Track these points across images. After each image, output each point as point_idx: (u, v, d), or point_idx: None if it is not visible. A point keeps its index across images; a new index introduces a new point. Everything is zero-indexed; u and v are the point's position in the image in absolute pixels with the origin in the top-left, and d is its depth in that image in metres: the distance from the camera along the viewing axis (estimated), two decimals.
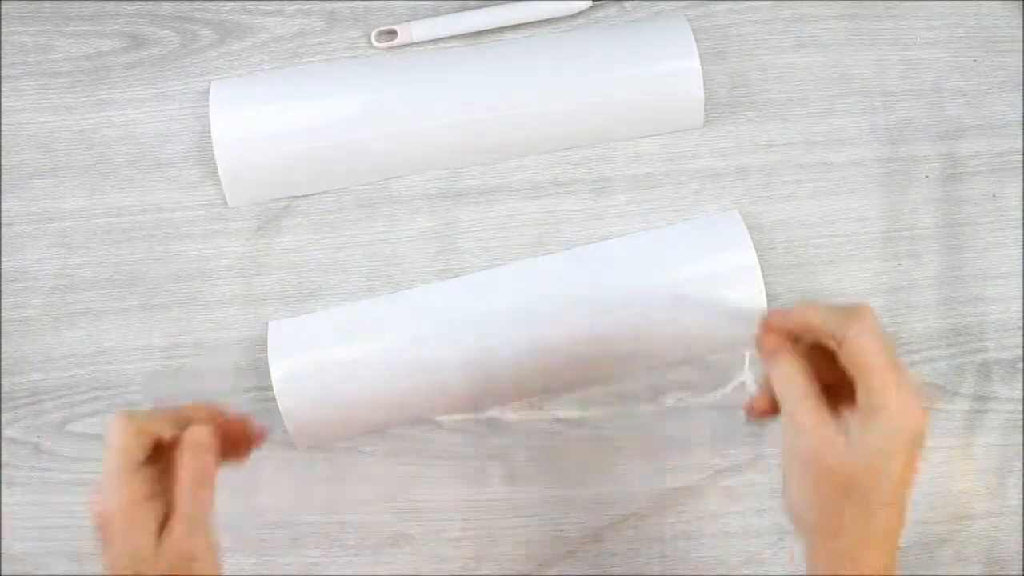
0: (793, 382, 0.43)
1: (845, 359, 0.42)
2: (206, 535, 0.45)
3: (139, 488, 0.44)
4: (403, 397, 0.60)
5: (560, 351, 0.60)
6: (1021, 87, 0.63)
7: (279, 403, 0.58)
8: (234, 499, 0.62)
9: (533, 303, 0.60)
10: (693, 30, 0.62)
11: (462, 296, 0.61)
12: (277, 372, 0.59)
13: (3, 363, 0.63)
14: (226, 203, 0.63)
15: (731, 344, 0.59)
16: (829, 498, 0.42)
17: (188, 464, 0.45)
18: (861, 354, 0.42)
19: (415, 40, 0.64)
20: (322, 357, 0.60)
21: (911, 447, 0.42)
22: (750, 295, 0.59)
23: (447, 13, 0.64)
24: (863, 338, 0.42)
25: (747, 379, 0.58)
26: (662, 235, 0.62)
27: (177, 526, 0.44)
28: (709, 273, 0.60)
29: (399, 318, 0.61)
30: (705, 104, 0.62)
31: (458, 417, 0.61)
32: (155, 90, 0.64)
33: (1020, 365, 0.62)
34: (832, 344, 0.43)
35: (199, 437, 0.46)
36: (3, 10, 0.65)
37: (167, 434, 0.45)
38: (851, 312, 0.43)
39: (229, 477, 0.62)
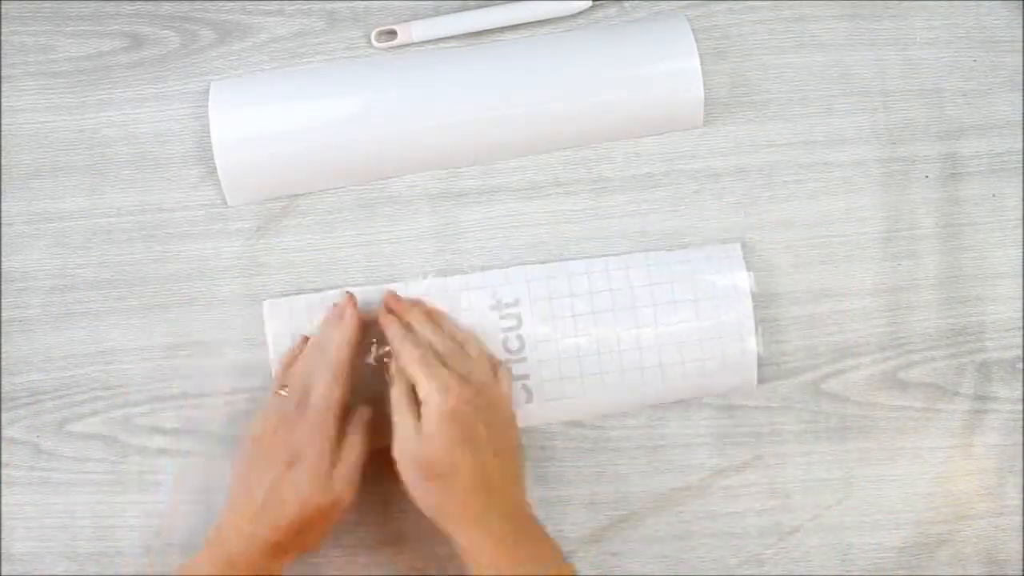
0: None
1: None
2: (354, 486, 0.56)
3: (334, 433, 0.56)
4: (342, 152, 0.62)
5: (504, 117, 0.61)
6: (1021, 87, 0.63)
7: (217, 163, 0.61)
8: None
9: (483, 76, 0.62)
10: (693, 30, 0.62)
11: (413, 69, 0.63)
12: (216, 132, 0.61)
13: (3, 363, 0.63)
14: (226, 203, 0.63)
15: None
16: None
17: (361, 430, 0.57)
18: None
19: (415, 40, 0.64)
20: (261, 113, 0.62)
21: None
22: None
23: (447, 13, 0.64)
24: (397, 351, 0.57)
25: None
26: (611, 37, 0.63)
27: (343, 472, 0.55)
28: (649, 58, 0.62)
29: (340, 86, 0.63)
30: (705, 104, 0.62)
31: (409, 177, 0.63)
32: (155, 90, 0.64)
33: (1020, 365, 0.62)
34: None
35: (367, 416, 0.59)
36: (3, 10, 0.65)
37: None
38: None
39: (231, 477, 0.62)
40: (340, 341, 0.58)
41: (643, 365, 0.61)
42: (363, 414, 0.59)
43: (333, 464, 0.55)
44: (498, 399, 0.57)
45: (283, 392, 0.57)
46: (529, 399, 0.61)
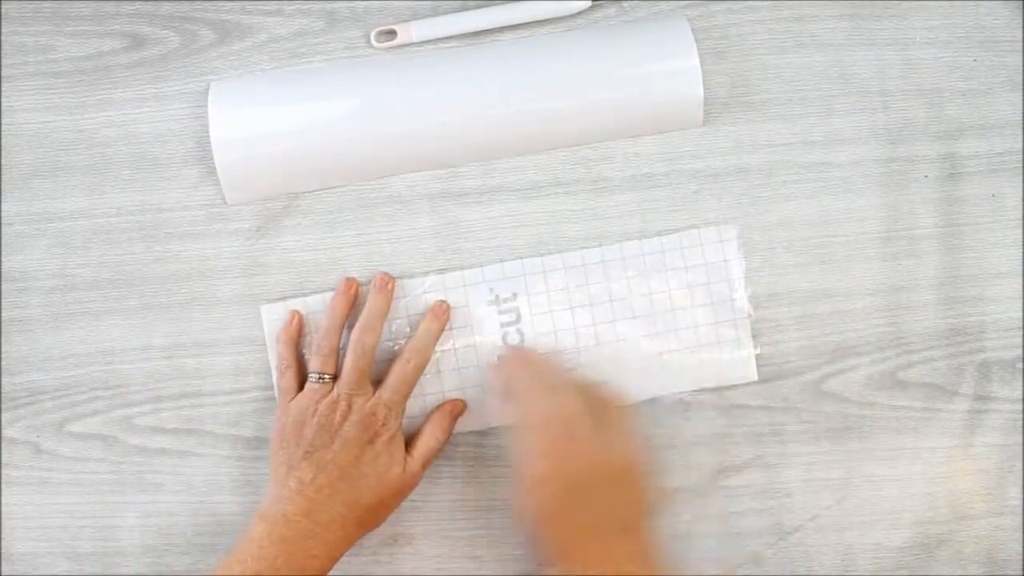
0: None
1: None
2: (426, 468, 0.61)
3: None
4: (341, 149, 0.62)
5: (503, 117, 0.62)
6: (1021, 87, 0.63)
7: (216, 162, 0.62)
8: (235, 497, 0.62)
9: (483, 76, 0.62)
10: (693, 30, 0.62)
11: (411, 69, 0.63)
12: (215, 131, 0.61)
13: (3, 363, 0.63)
14: (226, 202, 0.63)
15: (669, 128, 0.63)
16: None
17: (448, 419, 0.61)
18: None
19: (415, 40, 0.64)
20: (260, 112, 0.62)
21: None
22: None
23: (447, 13, 0.64)
24: None
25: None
26: (611, 38, 0.63)
27: (423, 453, 0.60)
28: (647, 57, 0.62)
29: (339, 86, 0.63)
30: (705, 104, 0.62)
31: (408, 176, 0.63)
32: (155, 90, 0.64)
33: (1020, 365, 0.62)
34: None
35: (460, 408, 0.62)
36: (3, 10, 0.65)
37: None
38: None
39: (231, 476, 0.63)
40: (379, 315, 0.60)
41: (642, 354, 0.61)
42: (456, 405, 0.61)
43: (411, 443, 0.59)
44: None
45: (314, 375, 0.59)
46: None
